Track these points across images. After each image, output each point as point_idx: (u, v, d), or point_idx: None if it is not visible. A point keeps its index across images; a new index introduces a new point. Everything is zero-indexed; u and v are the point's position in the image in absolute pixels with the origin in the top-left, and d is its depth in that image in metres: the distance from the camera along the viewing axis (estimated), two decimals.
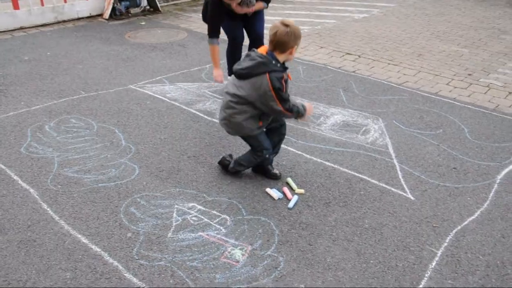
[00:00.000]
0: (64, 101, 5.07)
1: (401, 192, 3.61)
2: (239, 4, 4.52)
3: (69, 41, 7.28)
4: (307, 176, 3.80)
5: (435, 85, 5.77)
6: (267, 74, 3.14)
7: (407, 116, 4.89)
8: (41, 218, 3.24)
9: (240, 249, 2.98)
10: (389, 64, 6.50)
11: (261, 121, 3.42)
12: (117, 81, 5.69)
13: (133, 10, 9.01)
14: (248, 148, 3.71)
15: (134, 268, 2.82)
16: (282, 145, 4.15)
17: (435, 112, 4.98)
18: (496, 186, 3.72)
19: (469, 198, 3.56)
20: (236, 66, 3.31)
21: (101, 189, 3.56)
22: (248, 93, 3.23)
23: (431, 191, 3.64)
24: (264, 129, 3.55)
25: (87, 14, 8.67)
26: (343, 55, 6.84)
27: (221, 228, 3.17)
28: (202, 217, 3.27)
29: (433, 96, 5.42)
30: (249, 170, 3.84)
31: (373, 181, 3.75)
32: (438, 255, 2.98)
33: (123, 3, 8.74)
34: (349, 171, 3.88)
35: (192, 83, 5.67)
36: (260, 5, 4.77)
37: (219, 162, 3.83)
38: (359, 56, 6.80)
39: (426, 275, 2.82)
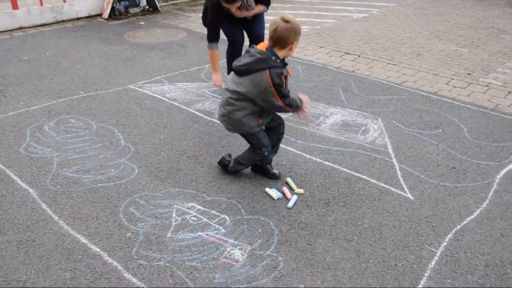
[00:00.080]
0: (63, 101, 5.07)
1: (400, 192, 3.61)
2: (239, 8, 4.49)
3: (68, 41, 7.28)
4: (307, 175, 3.80)
5: (434, 84, 5.77)
6: (267, 70, 3.13)
7: (406, 115, 4.89)
8: (40, 218, 3.24)
9: (239, 249, 2.98)
10: (388, 63, 6.50)
11: (262, 118, 3.41)
12: (116, 81, 5.69)
13: (132, 10, 9.00)
14: (247, 146, 3.71)
15: (134, 268, 2.81)
16: (282, 145, 4.15)
17: (435, 112, 4.98)
18: (495, 185, 3.73)
19: (468, 198, 3.56)
20: (236, 63, 3.30)
21: (100, 189, 3.56)
22: (248, 90, 3.22)
23: (430, 190, 3.64)
24: (263, 127, 3.55)
25: (86, 14, 8.66)
26: (342, 55, 6.84)
27: (221, 228, 3.16)
28: (202, 217, 3.27)
29: (433, 96, 5.42)
30: (248, 170, 3.84)
31: (372, 180, 3.75)
32: (438, 254, 2.98)
33: (122, 3, 8.74)
34: (349, 171, 3.88)
35: (192, 83, 5.67)
36: (260, 8, 4.76)
37: (219, 162, 3.82)
38: (358, 56, 6.80)
39: (426, 274, 2.82)
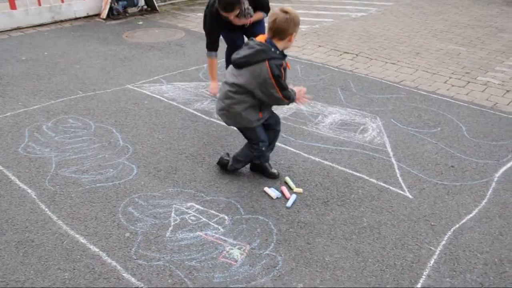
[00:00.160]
0: (61, 101, 5.06)
1: (399, 191, 3.62)
2: (237, 16, 4.46)
3: (66, 41, 7.27)
4: (305, 175, 3.80)
5: (432, 83, 5.77)
6: (267, 62, 3.12)
7: (405, 114, 4.89)
8: (39, 218, 3.23)
9: (238, 248, 2.98)
10: (387, 62, 6.50)
11: (262, 112, 3.39)
12: (115, 81, 5.68)
13: (130, 10, 9.00)
14: (243, 143, 3.70)
15: (133, 268, 2.81)
16: (280, 144, 4.16)
17: (433, 111, 4.98)
18: (494, 184, 3.73)
19: (467, 196, 3.57)
20: (234, 56, 3.28)
21: (99, 189, 3.56)
22: (247, 81, 3.20)
23: (429, 189, 3.64)
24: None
25: (85, 14, 8.65)
26: (341, 54, 6.84)
27: (219, 227, 3.16)
28: (200, 216, 3.27)
29: (431, 95, 5.42)
30: (247, 169, 3.84)
31: (371, 179, 3.75)
32: (436, 253, 2.99)
33: (120, 2, 8.73)
34: (347, 170, 3.88)
35: (190, 82, 5.66)
36: (259, 15, 4.70)
37: (218, 163, 3.82)
38: (357, 55, 6.81)
39: (425, 273, 2.82)
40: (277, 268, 2.84)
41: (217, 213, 3.31)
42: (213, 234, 3.10)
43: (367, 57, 6.71)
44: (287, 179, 3.69)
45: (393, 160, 4.04)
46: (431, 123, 4.70)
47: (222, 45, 4.97)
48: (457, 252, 3.00)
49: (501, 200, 3.53)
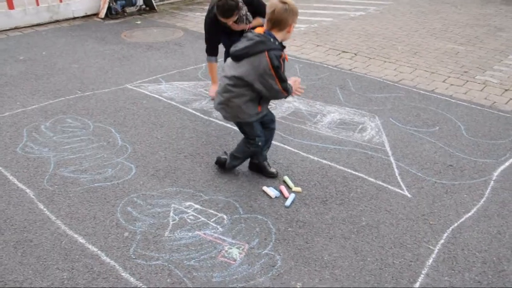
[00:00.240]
0: (60, 101, 5.06)
1: (397, 190, 3.62)
2: (235, 22, 4.46)
3: (64, 40, 7.26)
4: (304, 174, 3.80)
5: (431, 82, 5.78)
6: (266, 53, 3.10)
7: (403, 113, 4.89)
8: (37, 218, 3.23)
9: (237, 247, 2.98)
10: (385, 62, 6.51)
11: (261, 105, 3.38)
12: (113, 80, 5.68)
13: (128, 9, 8.99)
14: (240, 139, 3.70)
15: (131, 267, 2.81)
16: (279, 144, 4.16)
17: (432, 110, 4.99)
18: (492, 183, 3.73)
19: (465, 195, 3.57)
20: (233, 49, 3.26)
21: (97, 189, 3.55)
22: (246, 73, 3.17)
23: (427, 188, 3.64)
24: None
25: (83, 14, 8.64)
26: (339, 53, 6.84)
27: (218, 227, 3.16)
28: (199, 216, 3.26)
29: (430, 94, 5.43)
30: (246, 169, 3.84)
31: (369, 178, 3.76)
32: (435, 252, 2.99)
33: (119, 2, 8.72)
34: (346, 169, 3.88)
35: (188, 82, 5.66)
36: (258, 21, 4.66)
37: (216, 162, 3.82)
38: (355, 54, 6.81)
39: (423, 272, 2.83)
40: (276, 267, 2.84)
41: (215, 213, 3.31)
42: (212, 233, 3.10)
43: (366, 56, 6.71)
44: (286, 178, 3.69)
45: (391, 159, 4.04)
46: (430, 122, 4.70)
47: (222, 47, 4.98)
48: (455, 251, 3.00)
49: (499, 199, 3.53)
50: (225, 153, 3.81)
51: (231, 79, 3.26)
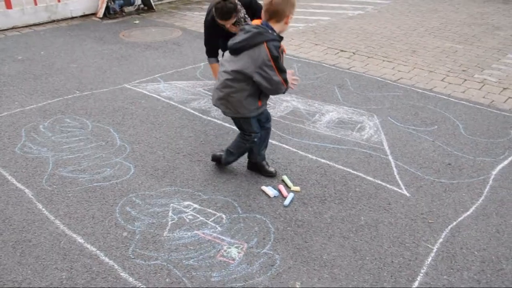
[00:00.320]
0: (58, 101, 5.05)
1: (396, 189, 3.62)
2: (234, 24, 4.45)
3: (63, 40, 7.25)
4: (303, 173, 3.80)
5: (429, 81, 5.78)
6: (265, 43, 3.08)
7: (402, 112, 4.90)
8: (36, 218, 3.23)
9: (236, 247, 2.98)
10: (383, 61, 6.51)
11: (260, 100, 3.36)
12: (112, 80, 5.67)
13: (127, 9, 8.98)
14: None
15: (130, 267, 2.81)
16: (277, 143, 4.17)
17: (430, 109, 4.99)
18: (491, 181, 3.74)
19: (464, 194, 3.57)
20: (231, 42, 3.23)
21: (96, 189, 3.55)
22: (245, 66, 3.14)
23: (426, 187, 3.65)
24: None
25: (81, 13, 8.63)
26: (337, 52, 6.84)
27: (217, 226, 3.16)
28: (198, 215, 3.26)
29: (428, 93, 5.43)
30: (244, 168, 3.84)
31: (368, 177, 3.76)
32: (434, 251, 2.99)
33: (117, 2, 8.71)
34: (345, 168, 3.88)
35: (187, 81, 5.66)
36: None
37: (212, 159, 3.80)
38: (353, 53, 6.81)
39: (422, 271, 2.83)
40: (274, 266, 2.84)
41: (214, 212, 3.31)
42: (211, 233, 3.10)
43: (364, 55, 6.71)
44: (285, 177, 3.69)
45: (390, 158, 4.04)
46: (428, 121, 4.70)
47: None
48: (454, 249, 3.01)
49: (498, 198, 3.54)
50: (222, 150, 3.81)
51: (230, 74, 3.22)
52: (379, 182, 3.70)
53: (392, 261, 2.90)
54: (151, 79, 5.71)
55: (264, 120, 3.59)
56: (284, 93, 3.33)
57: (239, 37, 3.18)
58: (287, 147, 4.19)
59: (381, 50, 6.98)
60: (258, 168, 3.77)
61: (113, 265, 2.82)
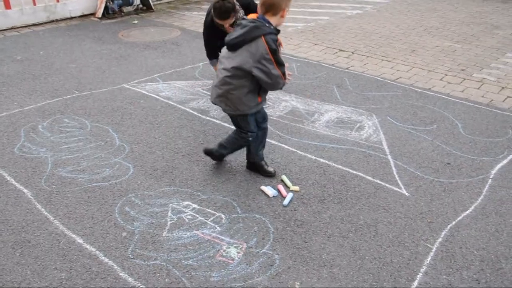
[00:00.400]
0: (57, 101, 5.05)
1: (395, 188, 3.62)
2: (231, 25, 4.46)
3: (61, 40, 7.25)
4: (302, 173, 3.80)
5: (428, 80, 5.78)
6: (263, 37, 3.07)
7: (401, 112, 4.90)
8: (35, 218, 3.23)
9: (235, 247, 2.98)
10: (382, 60, 6.51)
11: (260, 96, 3.35)
12: (111, 80, 5.67)
13: (126, 9, 8.97)
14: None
15: (130, 267, 2.81)
16: (277, 143, 4.17)
17: (429, 108, 4.99)
18: (490, 180, 3.74)
19: (463, 193, 3.57)
20: (228, 38, 3.22)
21: (95, 189, 3.55)
22: (244, 61, 3.13)
23: (425, 186, 3.65)
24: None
25: (80, 13, 8.62)
26: (336, 52, 6.84)
27: (216, 226, 3.16)
28: (197, 215, 3.26)
29: (427, 92, 5.43)
30: (243, 168, 3.84)
31: (367, 177, 3.76)
32: (433, 250, 2.99)
33: (115, 1, 8.70)
34: (344, 168, 3.88)
35: (186, 81, 5.66)
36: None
37: (205, 152, 3.77)
38: (352, 53, 6.81)
39: (421, 270, 2.83)
40: (274, 266, 2.84)
41: (213, 212, 3.31)
42: (210, 233, 3.10)
43: (363, 55, 6.71)
44: (284, 177, 3.69)
45: (389, 157, 4.04)
46: (427, 121, 4.70)
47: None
48: (453, 249, 3.01)
49: (497, 197, 3.54)
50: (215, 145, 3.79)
51: (229, 71, 3.21)
52: (378, 181, 3.70)
53: (392, 260, 2.90)
54: (150, 79, 5.70)
55: (260, 120, 3.58)
56: (281, 88, 3.31)
57: (236, 33, 3.16)
58: (286, 146, 4.19)
59: (380, 49, 6.98)
60: (257, 168, 3.77)
61: (113, 265, 2.82)
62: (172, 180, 3.67)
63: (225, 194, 3.51)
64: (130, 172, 3.77)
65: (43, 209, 3.32)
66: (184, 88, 5.44)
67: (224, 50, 3.32)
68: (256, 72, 3.14)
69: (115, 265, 2.82)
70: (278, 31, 3.20)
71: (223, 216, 3.27)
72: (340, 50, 6.91)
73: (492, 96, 5.34)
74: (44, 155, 3.99)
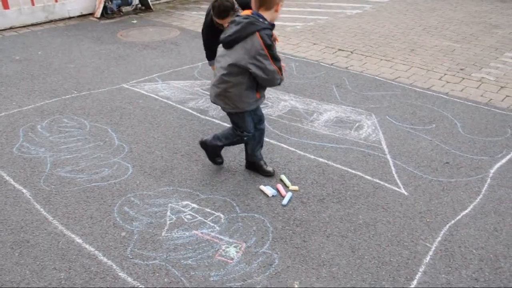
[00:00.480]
0: (56, 101, 5.05)
1: (394, 188, 3.62)
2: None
3: (60, 40, 7.24)
4: (301, 172, 3.80)
5: (427, 80, 5.78)
6: (257, 33, 3.06)
7: (400, 111, 4.90)
8: (34, 218, 3.22)
9: (234, 246, 2.98)
10: (381, 59, 6.51)
11: (259, 92, 3.34)
12: (109, 80, 5.67)
13: (124, 9, 8.97)
14: (242, 145, 3.70)
15: (129, 267, 2.81)
16: (276, 142, 4.17)
17: (428, 107, 4.99)
18: (489, 180, 3.74)
19: (462, 193, 3.58)
20: (223, 36, 3.21)
21: (94, 189, 3.55)
22: (239, 57, 3.12)
23: (424, 186, 3.65)
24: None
25: (78, 13, 8.62)
26: (335, 51, 6.84)
27: (215, 226, 3.16)
28: (196, 215, 3.26)
29: (426, 91, 5.43)
30: (242, 168, 3.84)
31: (366, 177, 3.76)
32: (432, 249, 2.99)
33: (114, 1, 8.70)
34: (343, 167, 3.88)
35: (185, 81, 5.65)
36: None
37: (201, 145, 3.74)
38: (351, 52, 6.81)
39: (420, 269, 2.83)
40: (273, 266, 2.84)
41: (212, 212, 3.30)
42: (209, 232, 3.10)
43: (362, 54, 6.71)
44: (283, 177, 3.69)
45: (388, 157, 4.04)
46: (426, 120, 4.71)
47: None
48: (452, 248, 3.01)
49: (496, 196, 3.54)
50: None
51: (226, 69, 3.20)
52: (377, 181, 3.70)
53: (391, 260, 2.90)
54: (149, 79, 5.70)
55: (257, 121, 3.58)
56: (279, 84, 3.30)
57: (231, 30, 3.16)
58: (285, 146, 4.19)
59: (379, 49, 6.98)
60: (256, 168, 3.77)
61: (112, 265, 2.82)
62: (171, 180, 3.67)
63: (224, 194, 3.51)
64: (129, 172, 3.77)
65: (42, 209, 3.32)
66: (183, 88, 5.44)
67: (220, 48, 3.31)
68: (253, 69, 3.13)
69: (114, 265, 2.82)
70: (273, 26, 3.18)
71: (222, 215, 3.27)
72: (339, 50, 6.91)
73: (491, 95, 5.34)
74: (43, 155, 3.98)
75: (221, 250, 2.95)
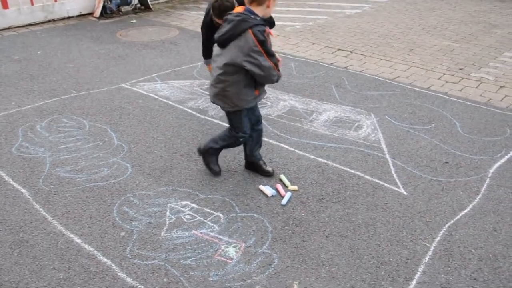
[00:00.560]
0: (55, 101, 5.04)
1: (394, 187, 3.62)
2: None
3: (59, 40, 7.24)
4: (300, 172, 3.80)
5: (427, 80, 5.78)
6: (250, 30, 3.06)
7: (399, 111, 4.90)
8: (33, 218, 3.22)
9: (233, 246, 2.98)
10: (381, 59, 6.51)
11: (257, 89, 3.34)
12: (109, 80, 5.67)
13: (124, 9, 8.97)
14: (241, 147, 3.70)
15: (128, 267, 2.81)
16: (275, 142, 4.17)
17: (427, 107, 4.99)
18: (488, 179, 3.74)
19: (461, 192, 3.58)
20: (217, 35, 3.22)
21: (93, 189, 3.55)
22: (234, 55, 3.12)
23: (423, 185, 3.65)
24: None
25: (78, 13, 8.62)
26: (335, 51, 6.84)
27: (215, 226, 3.16)
28: (196, 215, 3.26)
29: (425, 91, 5.43)
30: (242, 168, 3.84)
31: (366, 176, 3.76)
32: (431, 249, 2.99)
33: (113, 1, 8.70)
34: (342, 167, 3.88)
35: (184, 81, 5.65)
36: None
37: (199, 152, 3.73)
38: (351, 52, 6.81)
39: (420, 269, 2.83)
40: (272, 266, 2.84)
41: (212, 212, 3.30)
42: (209, 232, 3.10)
43: (362, 54, 6.71)
44: (282, 176, 3.69)
45: (387, 156, 4.04)
46: (425, 120, 4.71)
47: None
48: (452, 248, 3.01)
49: (495, 196, 3.54)
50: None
51: (221, 68, 3.20)
52: (377, 181, 3.71)
53: (390, 259, 2.91)
54: (148, 79, 5.70)
55: (254, 122, 3.58)
56: (277, 81, 3.28)
57: (224, 29, 3.16)
58: (284, 146, 4.19)
59: (379, 48, 6.98)
60: (255, 168, 3.77)
61: (111, 265, 2.82)
62: (170, 180, 3.67)
63: (224, 194, 3.51)
64: (129, 171, 3.77)
65: (41, 209, 3.31)
66: (183, 87, 5.44)
67: (215, 48, 3.31)
68: (248, 66, 3.13)
69: (113, 265, 2.82)
70: (266, 22, 3.18)
71: (221, 215, 3.27)
72: (339, 50, 6.91)
73: (490, 95, 5.34)
74: (42, 155, 3.98)
75: (220, 250, 2.95)
